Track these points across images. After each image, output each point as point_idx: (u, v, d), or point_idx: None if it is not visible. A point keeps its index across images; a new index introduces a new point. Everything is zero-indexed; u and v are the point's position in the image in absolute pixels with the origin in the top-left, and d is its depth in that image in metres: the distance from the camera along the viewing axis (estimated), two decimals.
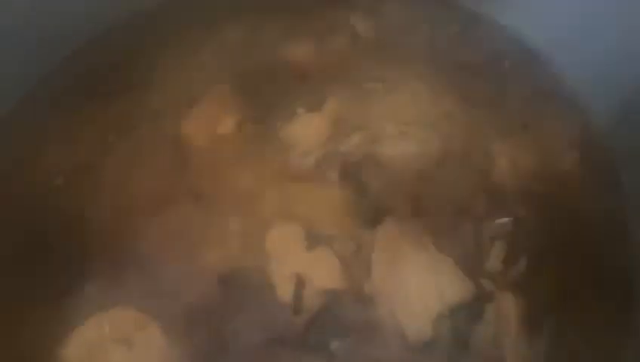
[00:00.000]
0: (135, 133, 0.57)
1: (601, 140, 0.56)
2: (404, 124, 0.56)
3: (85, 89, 0.60)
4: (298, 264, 0.48)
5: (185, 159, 0.55)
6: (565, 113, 0.58)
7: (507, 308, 0.46)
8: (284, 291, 0.47)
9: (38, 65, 0.60)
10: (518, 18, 0.64)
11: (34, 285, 0.48)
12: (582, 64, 0.59)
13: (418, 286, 0.46)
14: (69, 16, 0.61)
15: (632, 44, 0.54)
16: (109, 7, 0.64)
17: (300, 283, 0.47)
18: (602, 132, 0.57)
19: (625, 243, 0.51)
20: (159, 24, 0.66)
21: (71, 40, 0.62)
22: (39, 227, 0.51)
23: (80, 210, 0.52)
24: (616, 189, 0.54)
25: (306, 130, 0.57)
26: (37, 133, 0.57)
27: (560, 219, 0.51)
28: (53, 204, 0.52)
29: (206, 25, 0.65)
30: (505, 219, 0.50)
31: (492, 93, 0.59)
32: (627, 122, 0.54)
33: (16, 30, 0.57)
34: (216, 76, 0.61)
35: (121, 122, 0.57)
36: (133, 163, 0.55)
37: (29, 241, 0.51)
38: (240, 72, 0.61)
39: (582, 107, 0.58)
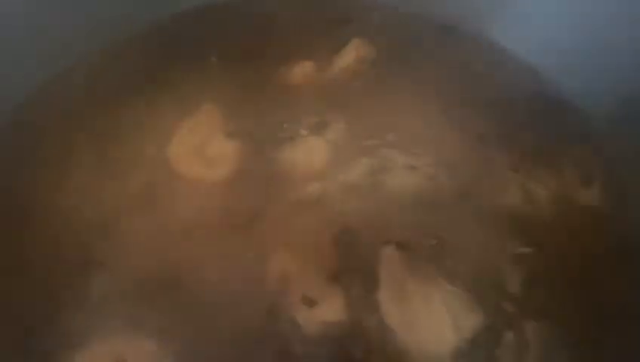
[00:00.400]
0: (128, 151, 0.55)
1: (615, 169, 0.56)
2: (412, 154, 0.55)
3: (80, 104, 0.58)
4: (300, 297, 0.46)
5: (180, 180, 0.53)
6: (580, 146, 0.58)
7: (527, 334, 0.45)
8: (288, 321, 0.45)
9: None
10: (523, 42, 0.64)
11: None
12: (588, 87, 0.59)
13: (432, 320, 0.45)
14: (69, 30, 0.60)
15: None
16: (107, 27, 0.63)
17: (300, 313, 0.45)
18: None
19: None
20: (156, 43, 0.65)
21: (68, 55, 0.61)
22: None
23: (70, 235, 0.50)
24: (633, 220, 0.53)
25: (308, 156, 0.55)
26: (34, 143, 0.55)
27: (579, 247, 0.51)
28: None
29: (204, 45, 0.64)
30: (524, 249, 0.49)
31: (502, 124, 0.58)
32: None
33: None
34: (210, 97, 0.59)
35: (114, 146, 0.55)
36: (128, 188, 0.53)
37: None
38: (236, 93, 0.59)
39: (598, 140, 0.58)
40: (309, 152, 0.55)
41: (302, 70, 0.61)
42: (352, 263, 0.48)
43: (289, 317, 0.45)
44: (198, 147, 0.55)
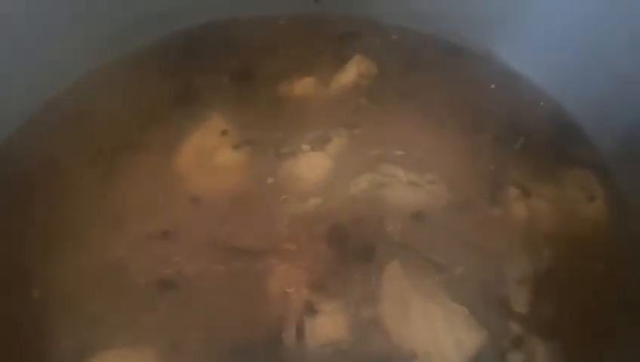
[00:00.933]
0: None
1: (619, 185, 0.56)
2: (414, 170, 0.55)
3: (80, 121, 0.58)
4: (301, 310, 0.46)
5: (182, 190, 0.53)
6: (584, 165, 0.58)
7: (534, 354, 0.44)
8: (291, 337, 0.45)
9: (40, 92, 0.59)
10: (523, 58, 0.65)
11: None
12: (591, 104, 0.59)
13: (434, 337, 0.44)
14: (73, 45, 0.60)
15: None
16: (111, 43, 0.64)
17: (302, 327, 0.45)
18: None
19: None
20: (161, 59, 0.65)
21: (74, 69, 0.61)
22: None
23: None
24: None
25: (309, 170, 0.55)
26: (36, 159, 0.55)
27: (585, 264, 0.50)
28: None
29: (206, 60, 0.65)
30: (529, 266, 0.49)
31: (506, 143, 0.58)
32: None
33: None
34: (216, 110, 0.59)
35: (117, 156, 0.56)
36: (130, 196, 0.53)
37: None
38: (241, 107, 0.60)
39: (602, 161, 0.58)
40: (310, 167, 0.55)
41: (304, 86, 0.62)
42: (354, 278, 0.48)
43: (292, 332, 0.45)
44: (205, 158, 0.56)
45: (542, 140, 0.59)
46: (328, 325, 0.45)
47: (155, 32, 0.66)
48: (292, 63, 0.64)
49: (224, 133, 0.58)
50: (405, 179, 0.54)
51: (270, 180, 0.54)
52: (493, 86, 0.64)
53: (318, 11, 0.70)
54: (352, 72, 0.62)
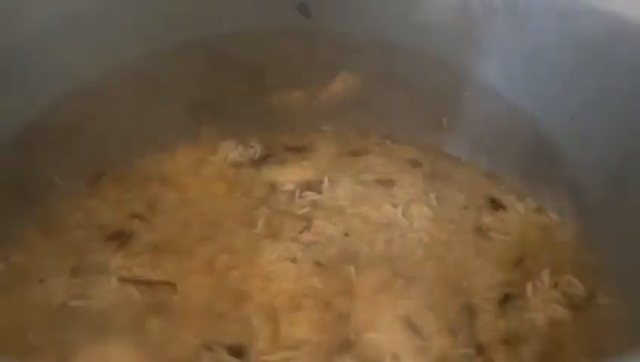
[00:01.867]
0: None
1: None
2: (394, 182, 0.57)
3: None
4: (277, 308, 0.48)
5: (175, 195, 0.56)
6: (556, 179, 0.58)
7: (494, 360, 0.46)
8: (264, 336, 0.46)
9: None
10: (509, 79, 0.64)
11: None
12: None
13: (401, 342, 0.46)
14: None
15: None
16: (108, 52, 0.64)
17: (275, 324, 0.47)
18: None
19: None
20: (157, 68, 0.65)
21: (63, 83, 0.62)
22: None
23: None
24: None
25: (294, 180, 0.57)
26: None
27: (551, 277, 0.51)
28: None
29: (202, 73, 0.65)
30: (499, 275, 0.51)
31: (485, 156, 0.61)
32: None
33: None
34: (203, 118, 0.62)
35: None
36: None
37: None
38: (232, 116, 0.62)
39: (573, 174, 0.58)
40: (294, 177, 0.58)
41: (295, 98, 0.64)
42: (329, 286, 0.50)
43: (266, 335, 0.46)
44: (196, 165, 0.59)
45: (523, 157, 0.60)
46: (298, 329, 0.47)
47: (146, 45, 0.66)
48: (285, 76, 0.65)
49: (215, 143, 0.61)
50: (384, 190, 0.56)
51: (256, 191, 0.57)
52: (471, 99, 0.65)
53: (314, 27, 0.72)
54: (339, 86, 0.65)
